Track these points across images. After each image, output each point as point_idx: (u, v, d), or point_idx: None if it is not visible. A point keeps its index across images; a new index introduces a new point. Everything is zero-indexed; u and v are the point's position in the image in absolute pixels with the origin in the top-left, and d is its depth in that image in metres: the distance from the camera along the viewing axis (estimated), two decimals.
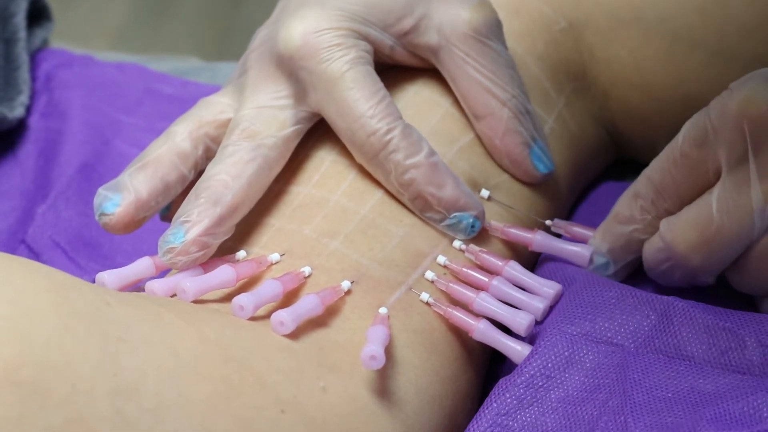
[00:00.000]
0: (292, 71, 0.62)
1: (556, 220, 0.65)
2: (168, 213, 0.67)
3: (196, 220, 0.60)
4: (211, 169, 0.61)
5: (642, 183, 0.61)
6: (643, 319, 0.58)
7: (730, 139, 0.56)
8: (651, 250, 0.61)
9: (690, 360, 0.56)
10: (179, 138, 0.64)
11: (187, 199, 0.61)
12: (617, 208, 0.62)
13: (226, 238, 0.61)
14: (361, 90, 0.61)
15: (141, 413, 0.48)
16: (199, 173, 0.64)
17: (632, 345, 0.57)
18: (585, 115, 0.70)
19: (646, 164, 0.73)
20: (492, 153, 0.65)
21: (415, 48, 0.65)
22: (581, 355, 0.57)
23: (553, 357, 0.57)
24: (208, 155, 0.64)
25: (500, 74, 0.64)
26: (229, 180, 0.61)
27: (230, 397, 0.51)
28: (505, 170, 0.65)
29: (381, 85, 0.62)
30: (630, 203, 0.61)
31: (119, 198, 0.62)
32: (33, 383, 0.45)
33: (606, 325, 0.58)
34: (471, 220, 0.62)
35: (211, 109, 0.65)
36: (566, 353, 0.57)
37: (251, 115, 0.62)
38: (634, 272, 0.63)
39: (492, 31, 0.64)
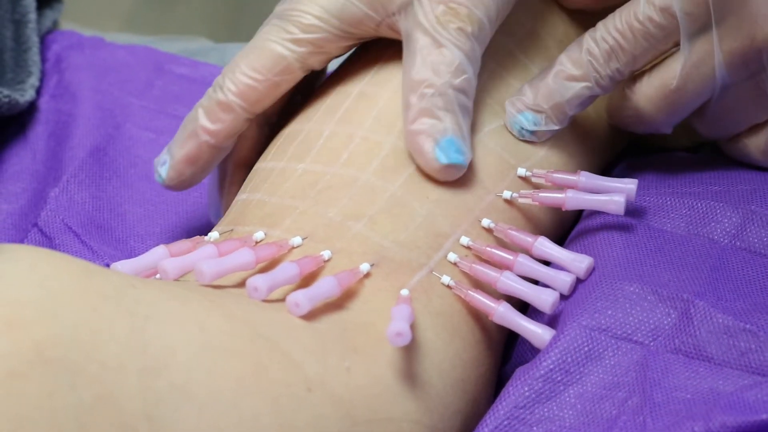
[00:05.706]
0: None
1: (535, 170, 0.64)
2: None
3: None
4: None
5: (595, 42, 0.63)
6: (664, 318, 0.57)
7: (693, 9, 0.61)
8: (615, 108, 0.67)
9: (709, 361, 0.56)
10: None
11: None
12: (562, 67, 0.64)
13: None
14: None
15: (170, 390, 0.48)
16: None
17: (652, 343, 0.57)
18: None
19: (654, 149, 0.73)
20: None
21: None
22: (600, 350, 0.57)
23: (572, 351, 0.56)
24: None
25: None
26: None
27: (259, 373, 0.51)
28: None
29: None
30: (579, 60, 0.64)
31: None
32: (63, 361, 0.46)
33: (626, 320, 0.57)
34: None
35: None
36: (586, 348, 0.57)
37: None
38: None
39: None
